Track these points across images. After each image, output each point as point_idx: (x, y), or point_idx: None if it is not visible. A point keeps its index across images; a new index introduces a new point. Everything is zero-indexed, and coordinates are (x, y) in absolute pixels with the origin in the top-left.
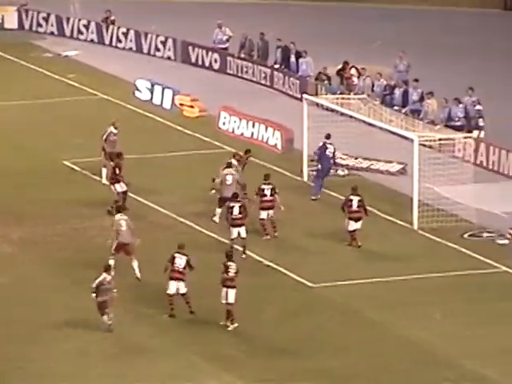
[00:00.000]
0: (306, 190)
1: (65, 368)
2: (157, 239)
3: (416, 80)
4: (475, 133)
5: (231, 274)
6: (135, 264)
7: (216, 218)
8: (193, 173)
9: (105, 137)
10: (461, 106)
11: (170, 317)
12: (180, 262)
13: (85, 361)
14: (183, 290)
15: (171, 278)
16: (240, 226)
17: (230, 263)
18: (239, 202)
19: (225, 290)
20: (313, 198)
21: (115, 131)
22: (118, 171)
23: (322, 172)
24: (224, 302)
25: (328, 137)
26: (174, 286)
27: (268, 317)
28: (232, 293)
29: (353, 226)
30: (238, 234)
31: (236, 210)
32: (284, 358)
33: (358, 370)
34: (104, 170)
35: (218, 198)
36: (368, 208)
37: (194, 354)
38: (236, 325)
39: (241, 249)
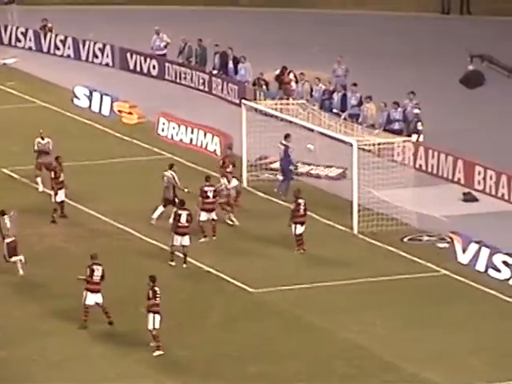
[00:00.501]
0: (246, 195)
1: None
2: (96, 246)
3: (354, 84)
4: (414, 137)
5: (158, 299)
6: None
7: (154, 217)
8: (132, 179)
9: (35, 148)
10: (399, 109)
11: (83, 328)
12: (97, 273)
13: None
14: (100, 300)
15: (89, 290)
16: (184, 234)
17: (156, 288)
18: (187, 210)
19: (151, 315)
20: (282, 197)
21: (43, 141)
22: (56, 175)
23: (290, 173)
24: (151, 327)
25: (287, 136)
26: (92, 299)
27: (210, 322)
28: (158, 318)
29: (299, 229)
30: (180, 242)
31: (183, 218)
32: (226, 364)
33: (299, 375)
34: (39, 180)
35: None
36: (308, 213)
37: (135, 361)
38: (160, 353)
39: (181, 256)
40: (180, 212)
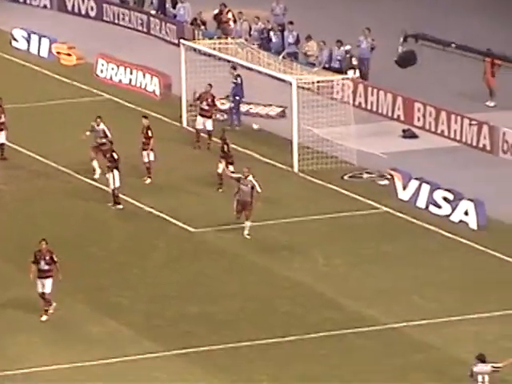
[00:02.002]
0: (185, 135)
1: None
2: (38, 188)
3: (291, 23)
4: (350, 73)
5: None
6: None
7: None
8: (72, 120)
9: None
10: (342, 48)
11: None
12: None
13: None
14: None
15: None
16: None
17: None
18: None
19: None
20: (237, 128)
21: None
22: None
23: (239, 102)
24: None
25: (235, 67)
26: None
27: (151, 263)
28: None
29: (226, 168)
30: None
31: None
32: (169, 304)
33: (240, 314)
34: None
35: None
36: (248, 152)
37: (78, 301)
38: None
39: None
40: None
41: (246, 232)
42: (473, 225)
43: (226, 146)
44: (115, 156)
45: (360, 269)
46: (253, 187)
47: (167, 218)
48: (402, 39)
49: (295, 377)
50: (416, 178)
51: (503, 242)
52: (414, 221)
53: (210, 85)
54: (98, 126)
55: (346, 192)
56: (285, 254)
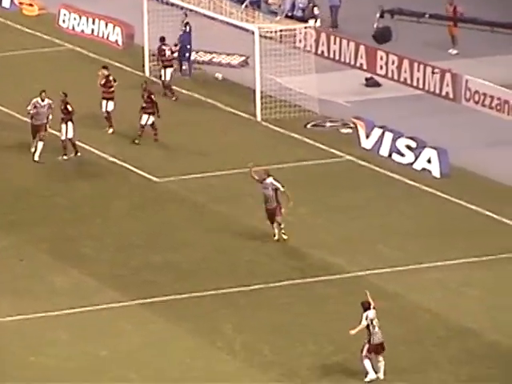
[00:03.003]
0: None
1: None
2: (1, 139)
3: None
4: (311, 22)
5: None
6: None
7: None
8: (34, 71)
9: None
10: None
11: None
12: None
13: None
14: None
15: None
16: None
17: None
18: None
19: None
20: (187, 77)
21: None
22: None
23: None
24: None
25: (186, 14)
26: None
27: (115, 213)
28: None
29: (144, 119)
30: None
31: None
32: (132, 253)
33: (204, 263)
34: None
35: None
36: (211, 101)
37: (42, 251)
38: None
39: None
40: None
41: (282, 231)
42: (436, 173)
43: (148, 98)
44: (69, 108)
45: (324, 217)
46: (276, 189)
47: (130, 167)
48: (378, 15)
49: (260, 325)
50: (379, 127)
51: (466, 189)
52: (378, 169)
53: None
54: (42, 100)
55: (309, 141)
56: (249, 202)
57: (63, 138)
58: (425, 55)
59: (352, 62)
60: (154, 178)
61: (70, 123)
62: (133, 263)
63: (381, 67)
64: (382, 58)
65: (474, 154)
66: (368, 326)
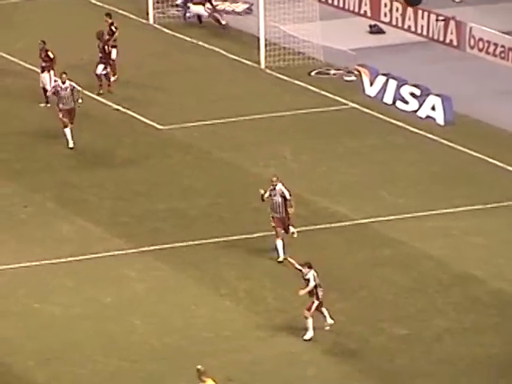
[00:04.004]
0: (152, 31)
1: None
2: (5, 86)
3: None
4: None
5: None
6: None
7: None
8: (37, 18)
9: None
10: None
11: None
12: None
13: None
14: None
15: None
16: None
17: None
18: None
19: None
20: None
21: None
22: None
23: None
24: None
25: None
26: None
27: (119, 160)
28: None
29: (99, 69)
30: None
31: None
32: (136, 201)
33: (208, 211)
34: None
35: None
36: (215, 49)
37: (47, 199)
38: None
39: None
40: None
41: (293, 230)
42: (440, 120)
43: (106, 48)
44: (50, 55)
45: (327, 165)
46: (284, 197)
47: (134, 114)
48: None
49: (264, 273)
50: (383, 74)
51: (470, 137)
52: (381, 116)
53: None
54: (63, 82)
55: (313, 88)
56: (252, 150)
57: (47, 87)
58: (429, 2)
59: (356, 10)
60: (158, 126)
61: (51, 71)
62: (137, 211)
63: (385, 14)
64: (386, 5)
65: (478, 102)
66: (316, 286)
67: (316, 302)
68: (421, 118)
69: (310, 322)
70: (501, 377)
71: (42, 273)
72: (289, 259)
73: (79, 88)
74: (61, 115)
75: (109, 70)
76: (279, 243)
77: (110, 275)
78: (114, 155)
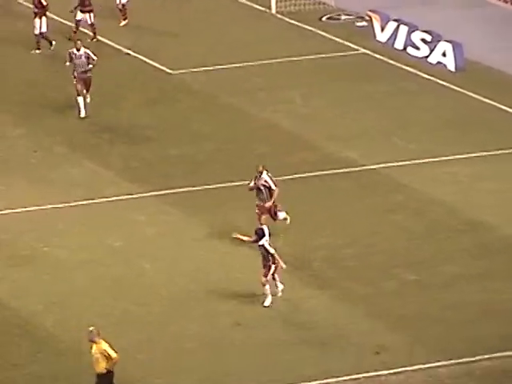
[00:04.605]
0: None
1: None
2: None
3: None
4: None
5: None
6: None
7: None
8: None
9: None
10: None
11: None
12: None
13: None
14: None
15: None
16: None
17: None
18: None
19: None
20: None
21: None
22: None
23: None
24: None
25: None
26: None
27: (129, 104)
28: None
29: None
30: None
31: None
32: (146, 145)
33: (218, 156)
34: None
35: None
36: None
37: (58, 143)
38: None
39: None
40: None
41: (284, 216)
42: (451, 66)
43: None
44: (43, 2)
45: (339, 110)
46: (269, 187)
47: (145, 59)
48: None
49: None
50: (394, 20)
51: (481, 83)
52: (393, 62)
53: None
54: (78, 50)
55: (324, 33)
56: (262, 95)
57: (37, 32)
58: None
59: None
60: (169, 70)
61: (44, 17)
62: (147, 155)
63: None
64: None
65: (489, 48)
66: (273, 254)
67: (273, 267)
68: (432, 64)
69: (267, 288)
70: (511, 322)
71: (52, 216)
72: (235, 235)
73: (95, 57)
74: (75, 82)
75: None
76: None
77: (120, 219)
78: (125, 99)
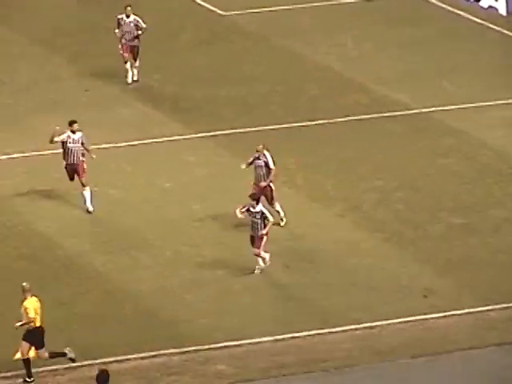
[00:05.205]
0: None
1: None
2: None
3: None
4: None
5: None
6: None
7: None
8: None
9: None
10: None
11: None
12: None
13: None
14: None
15: None
16: None
17: None
18: None
19: None
20: None
21: None
22: None
23: None
24: None
25: None
26: None
27: (181, 45)
28: None
29: None
30: None
31: None
32: (198, 87)
33: (269, 97)
34: None
35: None
36: None
37: (107, 83)
38: None
39: None
40: None
41: (281, 216)
42: (502, 10)
43: None
44: None
45: (388, 53)
46: (268, 166)
47: (197, 0)
48: None
49: (323, 160)
50: None
51: None
52: (444, 6)
53: None
54: (127, 16)
55: None
56: (314, 37)
57: None
58: None
59: None
60: (221, 12)
61: None
62: (198, 96)
63: None
64: None
65: None
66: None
67: (265, 238)
68: (483, 8)
69: (264, 256)
70: None
71: (101, 156)
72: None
73: (144, 24)
74: (122, 50)
75: None
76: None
77: (170, 160)
78: (177, 41)
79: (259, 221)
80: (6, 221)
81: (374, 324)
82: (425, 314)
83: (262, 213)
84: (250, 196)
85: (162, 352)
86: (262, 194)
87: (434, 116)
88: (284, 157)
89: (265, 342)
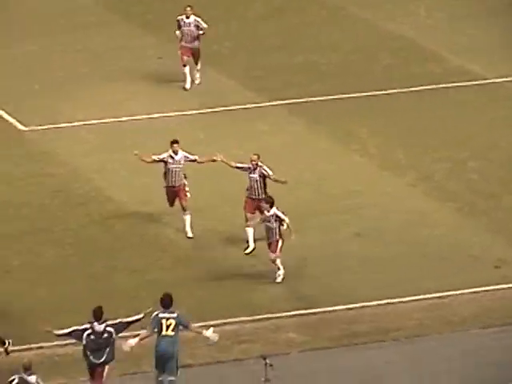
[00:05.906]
0: None
1: None
2: None
3: None
4: None
5: None
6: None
7: None
8: None
9: None
10: None
11: None
12: None
13: None
14: None
15: None
16: None
17: None
18: None
19: None
20: None
21: None
22: None
23: None
24: None
25: None
26: None
27: (253, 13)
28: None
29: None
30: None
31: None
32: (270, 54)
33: (343, 66)
34: None
35: None
36: None
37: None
38: None
39: None
40: None
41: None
42: None
43: None
44: None
45: (463, 23)
46: (264, 176)
47: None
48: None
49: (395, 130)
50: None
51: None
52: None
53: None
54: (187, 17)
55: None
56: (388, 7)
57: None
58: None
59: None
60: None
61: None
62: (271, 64)
63: None
64: None
65: None
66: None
67: (280, 241)
68: None
69: (279, 265)
70: None
71: (173, 124)
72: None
73: (205, 25)
74: (181, 53)
75: None
76: (250, 231)
77: (243, 128)
78: (249, 8)
79: (274, 224)
80: (79, 187)
81: (445, 294)
82: (496, 284)
83: (277, 216)
84: (264, 199)
85: (233, 320)
86: (256, 208)
87: (507, 86)
88: (357, 125)
89: (337, 310)
